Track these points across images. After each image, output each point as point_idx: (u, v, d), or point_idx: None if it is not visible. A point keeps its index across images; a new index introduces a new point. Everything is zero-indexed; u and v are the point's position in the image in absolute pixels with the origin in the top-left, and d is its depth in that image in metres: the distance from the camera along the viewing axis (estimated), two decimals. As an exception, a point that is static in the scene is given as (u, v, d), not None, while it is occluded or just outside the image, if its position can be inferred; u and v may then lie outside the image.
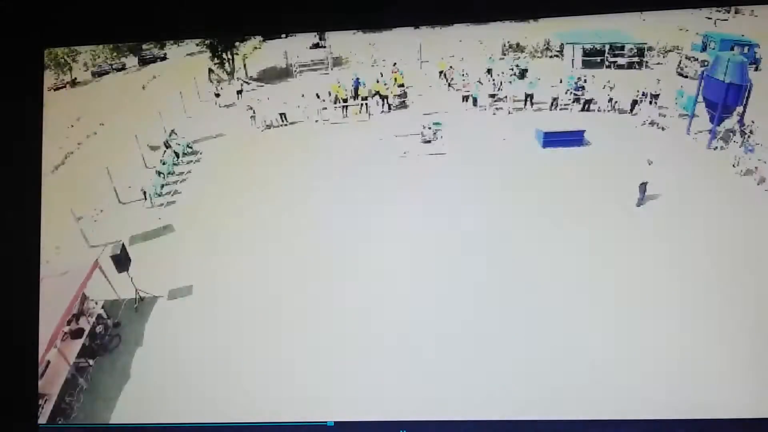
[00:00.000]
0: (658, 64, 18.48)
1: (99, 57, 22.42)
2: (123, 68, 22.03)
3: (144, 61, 21.63)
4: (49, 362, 7.62)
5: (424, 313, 7.53)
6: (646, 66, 18.30)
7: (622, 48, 17.91)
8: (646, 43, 18.63)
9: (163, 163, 13.36)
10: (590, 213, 9.81)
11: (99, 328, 8.44)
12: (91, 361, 8.10)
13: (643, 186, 10.02)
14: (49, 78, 23.26)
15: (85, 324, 8.25)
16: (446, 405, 5.95)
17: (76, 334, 8.22)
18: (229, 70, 17.62)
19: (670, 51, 18.60)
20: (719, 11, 20.92)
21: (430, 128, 12.50)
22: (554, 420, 5.72)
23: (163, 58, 22.07)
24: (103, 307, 8.62)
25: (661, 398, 6.40)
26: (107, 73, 21.71)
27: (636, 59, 17.77)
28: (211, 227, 10.26)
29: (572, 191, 10.64)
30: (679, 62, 17.60)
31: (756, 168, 11.08)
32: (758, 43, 18.10)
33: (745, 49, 17.25)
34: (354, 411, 6.22)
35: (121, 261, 8.38)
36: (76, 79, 22.30)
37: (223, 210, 10.78)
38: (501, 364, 6.91)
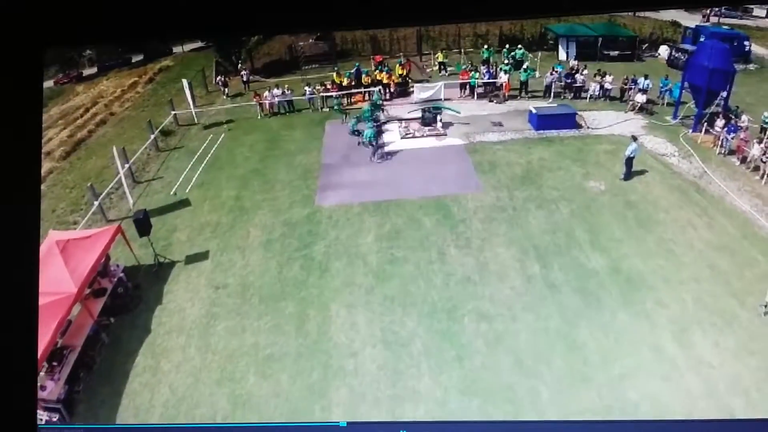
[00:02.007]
0: (651, 56, 19.24)
1: (105, 53, 23.14)
2: (129, 62, 22.76)
3: (150, 56, 22.37)
4: (70, 321, 8.12)
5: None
6: (639, 59, 19.03)
7: (615, 40, 18.66)
8: (638, 36, 19.39)
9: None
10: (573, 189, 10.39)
11: (120, 290, 8.97)
12: (112, 319, 8.58)
13: (629, 161, 10.60)
14: (56, 73, 23.70)
15: (107, 284, 8.76)
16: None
17: (99, 293, 8.75)
18: (235, 62, 18.28)
19: (662, 44, 19.36)
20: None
21: (430, 112, 13.13)
22: (554, 420, 5.70)
23: (169, 53, 22.81)
24: (123, 271, 9.12)
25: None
26: (113, 68, 22.44)
27: (628, 52, 18.51)
28: (223, 202, 10.85)
29: (557, 170, 11.23)
30: (670, 54, 18.32)
31: (738, 147, 11.71)
32: (748, 36, 18.88)
33: (735, 42, 18.00)
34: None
35: (143, 226, 8.91)
36: (82, 73, 23.02)
37: (235, 186, 11.38)
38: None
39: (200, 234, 9.83)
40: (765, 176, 10.91)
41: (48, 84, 20.78)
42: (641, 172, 10.92)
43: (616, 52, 18.26)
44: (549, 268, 8.18)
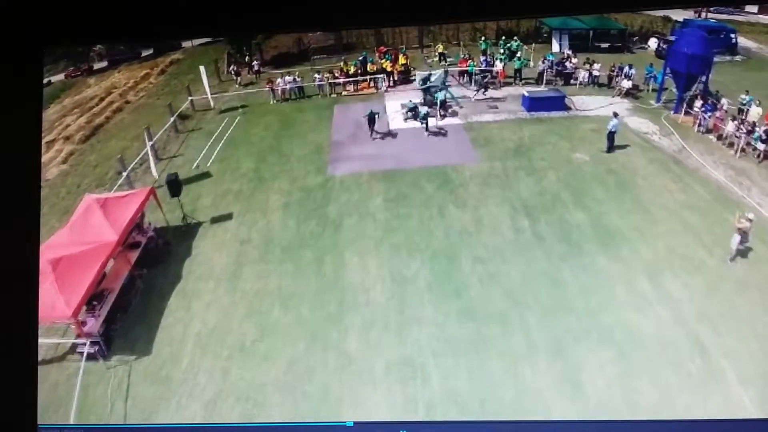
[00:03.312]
0: (641, 48, 20.33)
1: (114, 47, 23.91)
2: (139, 56, 23.66)
3: (160, 50, 23.23)
4: (105, 273, 9.07)
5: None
6: (629, 51, 20.11)
7: (607, 33, 19.74)
8: (627, 29, 20.48)
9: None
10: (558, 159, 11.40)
11: (152, 245, 9.93)
12: (145, 270, 9.53)
13: (611, 135, 11.62)
14: (66, 67, 24.27)
15: (141, 239, 9.73)
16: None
17: (134, 246, 9.74)
18: (246, 53, 19.33)
19: (651, 37, 20.43)
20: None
21: (430, 95, 14.17)
22: (555, 420, 5.80)
23: (179, 47, 23.72)
24: (154, 230, 10.12)
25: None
26: (124, 61, 23.32)
27: (619, 44, 19.58)
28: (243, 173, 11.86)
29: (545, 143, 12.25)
30: (658, 45, 19.39)
31: (714, 125, 12.74)
32: (735, 29, 19.92)
33: (722, 35, 19.06)
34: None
35: (175, 186, 9.91)
36: (92, 67, 23.84)
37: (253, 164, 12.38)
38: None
39: (223, 199, 10.83)
40: (739, 151, 11.93)
41: (59, 77, 21.54)
42: (623, 147, 11.93)
43: (607, 44, 19.31)
44: (536, 222, 9.19)
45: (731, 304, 7.52)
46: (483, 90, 15.09)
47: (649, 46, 20.18)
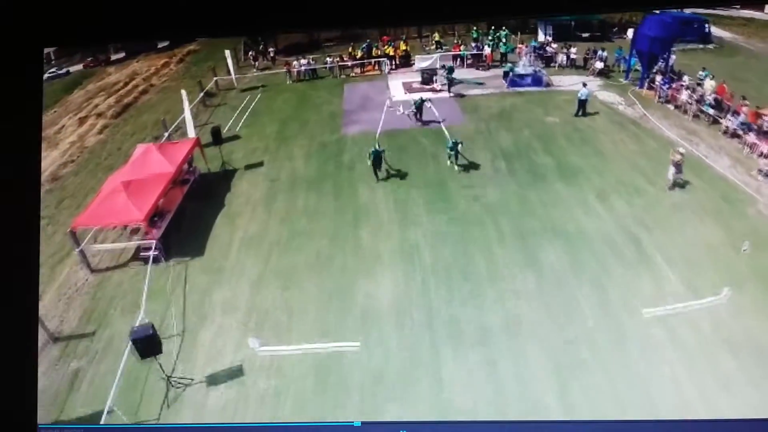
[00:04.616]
0: (620, 37, 22.52)
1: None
2: (155, 47, 25.49)
3: (176, 42, 24.98)
4: (158, 208, 11.10)
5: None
6: (609, 40, 22.31)
7: (588, 24, 21.93)
8: (606, 20, 22.68)
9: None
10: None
11: (197, 184, 12.04)
12: (193, 202, 11.61)
13: (581, 102, 13.76)
14: (83, 58, 25.42)
15: (190, 177, 11.80)
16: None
17: (185, 182, 11.89)
18: (261, 42, 21.53)
19: (629, 27, 22.60)
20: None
21: (427, 74, 16.37)
22: (555, 420, 5.83)
23: (194, 39, 25.39)
24: (199, 174, 12.25)
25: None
26: (142, 52, 25.16)
27: (599, 33, 21.77)
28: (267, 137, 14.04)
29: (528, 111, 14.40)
30: (635, 32, 21.56)
31: (671, 95, 14.88)
32: (708, 20, 22.07)
33: (695, 25, 21.21)
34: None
35: (217, 136, 12.11)
36: (110, 57, 25.47)
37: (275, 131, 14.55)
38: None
39: (253, 153, 12.97)
40: (691, 115, 14.04)
41: (77, 67, 22.81)
42: (591, 113, 14.04)
43: (588, 34, 21.52)
44: (511, 163, 11.33)
45: (665, 217, 9.58)
46: (449, 87, 16.00)
47: (627, 36, 22.40)
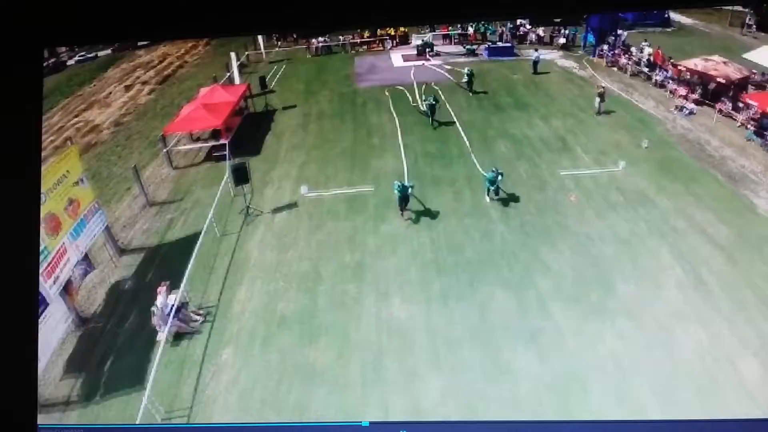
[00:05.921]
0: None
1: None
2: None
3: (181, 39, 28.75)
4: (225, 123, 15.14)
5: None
6: (578, 24, 26.32)
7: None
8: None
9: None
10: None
11: (248, 117, 16.04)
12: (248, 128, 15.59)
13: (534, 64, 17.72)
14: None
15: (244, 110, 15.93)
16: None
17: (240, 112, 15.79)
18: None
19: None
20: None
21: (421, 47, 20.45)
22: (554, 420, 5.90)
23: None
24: (249, 112, 16.38)
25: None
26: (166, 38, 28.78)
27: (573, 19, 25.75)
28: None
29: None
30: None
31: (615, 60, 18.85)
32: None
33: (655, 11, 25.03)
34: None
35: (263, 83, 16.41)
36: (137, 42, 28.52)
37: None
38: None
39: (287, 101, 16.95)
40: (629, 74, 17.96)
41: (106, 52, 25.27)
42: (549, 73, 18.01)
43: (560, 19, 25.50)
44: (481, 102, 15.44)
45: (588, 128, 13.53)
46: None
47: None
